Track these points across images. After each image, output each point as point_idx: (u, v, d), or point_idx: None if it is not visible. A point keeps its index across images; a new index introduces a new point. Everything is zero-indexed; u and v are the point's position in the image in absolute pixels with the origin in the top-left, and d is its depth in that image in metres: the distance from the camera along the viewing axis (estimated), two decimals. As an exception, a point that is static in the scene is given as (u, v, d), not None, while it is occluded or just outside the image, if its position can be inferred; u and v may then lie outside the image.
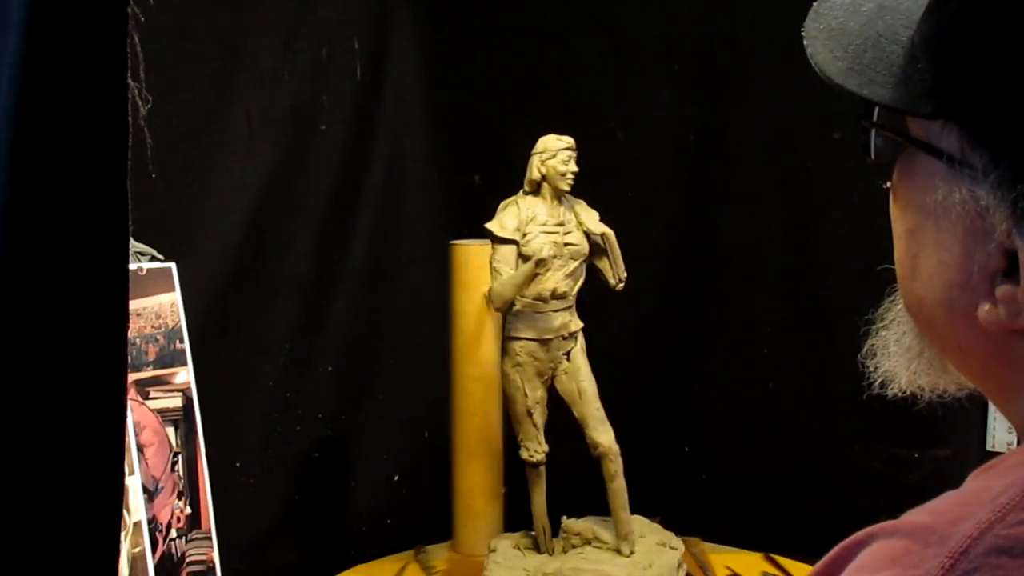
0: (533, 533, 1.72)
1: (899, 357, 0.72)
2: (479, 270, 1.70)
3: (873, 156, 0.68)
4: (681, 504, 1.87)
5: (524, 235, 1.58)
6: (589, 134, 1.62)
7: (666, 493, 1.81)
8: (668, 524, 1.79)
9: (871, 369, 0.73)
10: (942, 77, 0.60)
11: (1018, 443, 0.65)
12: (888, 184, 0.70)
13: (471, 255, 1.71)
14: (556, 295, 1.58)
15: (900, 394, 0.73)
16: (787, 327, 1.91)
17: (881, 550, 0.56)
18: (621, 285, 1.64)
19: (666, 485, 1.80)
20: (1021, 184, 0.56)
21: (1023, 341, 0.61)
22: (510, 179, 1.69)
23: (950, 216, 0.61)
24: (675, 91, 1.92)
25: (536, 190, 1.61)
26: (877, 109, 0.66)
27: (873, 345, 0.75)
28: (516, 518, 1.80)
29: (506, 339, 1.63)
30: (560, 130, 1.63)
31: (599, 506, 1.74)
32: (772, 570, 1.76)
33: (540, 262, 1.55)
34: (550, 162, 1.58)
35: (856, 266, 1.83)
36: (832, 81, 0.66)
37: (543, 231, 1.58)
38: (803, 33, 0.69)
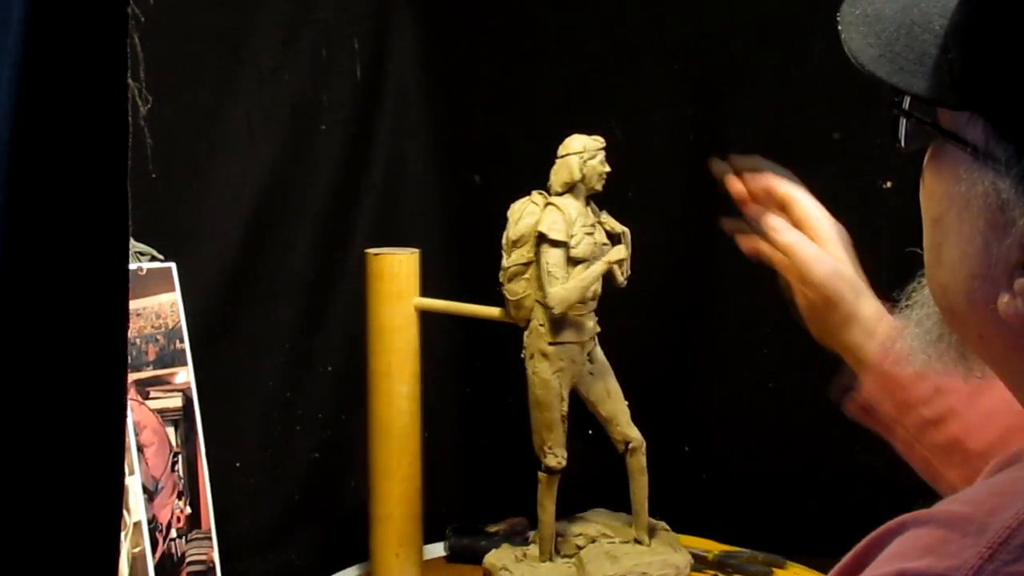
0: (524, 542, 1.72)
1: (919, 338, 0.73)
2: (408, 280, 1.62)
3: (903, 143, 0.68)
4: (681, 504, 1.87)
5: (571, 237, 1.56)
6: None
7: (666, 493, 1.80)
8: (666, 523, 1.79)
9: (889, 345, 0.74)
10: (970, 68, 0.60)
11: None
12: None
13: (402, 264, 1.61)
14: (595, 296, 1.58)
15: (917, 372, 0.73)
16: (787, 327, 1.90)
17: (916, 539, 0.55)
18: (625, 282, 1.65)
19: (666, 485, 1.80)
20: None
21: None
22: (510, 179, 1.68)
23: (972, 208, 0.61)
24: (675, 91, 1.91)
25: (569, 191, 1.59)
26: (908, 97, 0.66)
27: (899, 318, 0.75)
28: (433, 538, 1.79)
29: (548, 345, 1.59)
30: (560, 129, 1.62)
31: (577, 506, 1.74)
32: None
33: (620, 262, 1.55)
34: (591, 162, 1.57)
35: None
36: (864, 68, 0.66)
37: (584, 232, 1.57)
38: (839, 18, 0.69)
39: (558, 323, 1.58)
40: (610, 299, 1.66)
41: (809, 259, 1.20)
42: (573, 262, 1.56)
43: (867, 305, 1.19)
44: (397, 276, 1.61)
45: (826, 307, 1.20)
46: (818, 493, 1.87)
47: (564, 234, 1.55)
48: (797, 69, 1.80)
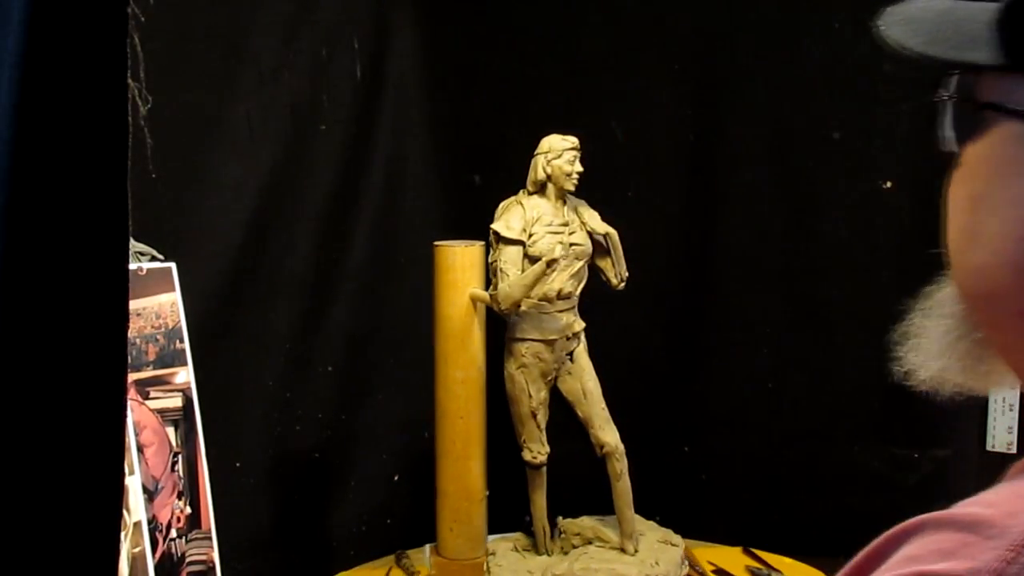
0: (530, 534, 1.72)
1: (936, 341, 0.71)
2: (464, 271, 1.68)
3: (952, 130, 0.68)
4: (681, 504, 1.87)
5: (530, 236, 1.56)
6: (589, 134, 1.62)
7: (666, 493, 1.81)
8: (666, 524, 1.79)
9: (899, 356, 0.73)
10: (1019, 33, 0.60)
11: None
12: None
13: (456, 256, 1.67)
14: (561, 295, 1.58)
15: (922, 387, 0.72)
16: (787, 327, 1.91)
17: (936, 542, 0.54)
18: (623, 284, 1.64)
19: (666, 485, 1.80)
20: None
21: None
22: (510, 179, 1.69)
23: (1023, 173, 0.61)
24: (675, 91, 1.92)
25: (540, 190, 1.60)
26: (955, 80, 0.66)
27: (905, 332, 0.75)
28: (498, 520, 1.79)
29: (511, 340, 1.61)
30: (561, 130, 1.63)
31: (595, 506, 1.74)
32: (754, 564, 1.76)
33: (552, 262, 1.55)
34: (556, 162, 1.58)
35: (856, 266, 1.83)
36: (913, 51, 0.66)
37: (549, 231, 1.58)
38: (879, 24, 0.70)
39: (519, 319, 1.60)
40: (610, 299, 1.66)
41: None
42: (531, 260, 1.57)
43: None
44: (452, 267, 1.69)
45: None
46: (818, 493, 1.87)
47: (518, 232, 1.56)
48: (797, 69, 1.80)
